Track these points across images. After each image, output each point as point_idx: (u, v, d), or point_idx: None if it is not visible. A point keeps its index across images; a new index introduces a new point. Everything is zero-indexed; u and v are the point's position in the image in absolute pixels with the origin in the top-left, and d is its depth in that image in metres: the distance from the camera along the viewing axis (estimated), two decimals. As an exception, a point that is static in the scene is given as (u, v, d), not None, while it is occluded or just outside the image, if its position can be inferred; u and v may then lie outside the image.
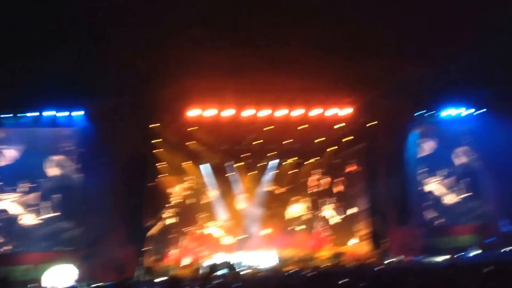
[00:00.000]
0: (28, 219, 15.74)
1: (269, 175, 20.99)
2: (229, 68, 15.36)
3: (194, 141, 18.68)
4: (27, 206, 15.81)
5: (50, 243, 15.72)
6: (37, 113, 16.08)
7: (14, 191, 15.72)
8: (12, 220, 15.60)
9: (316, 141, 19.90)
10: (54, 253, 15.59)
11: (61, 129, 16.44)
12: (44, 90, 15.16)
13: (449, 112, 19.84)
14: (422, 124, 19.82)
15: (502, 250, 17.71)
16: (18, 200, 15.73)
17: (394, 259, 17.71)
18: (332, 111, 18.28)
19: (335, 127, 19.12)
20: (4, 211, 15.59)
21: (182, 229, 19.52)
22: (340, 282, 11.14)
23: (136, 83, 15.60)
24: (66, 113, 16.39)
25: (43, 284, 14.84)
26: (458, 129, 20.18)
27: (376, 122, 18.73)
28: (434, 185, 19.82)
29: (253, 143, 19.57)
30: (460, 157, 20.18)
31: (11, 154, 15.96)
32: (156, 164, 18.19)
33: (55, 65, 14.56)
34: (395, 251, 18.19)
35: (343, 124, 19.09)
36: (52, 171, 16.21)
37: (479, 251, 18.12)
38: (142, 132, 16.54)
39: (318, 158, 21.04)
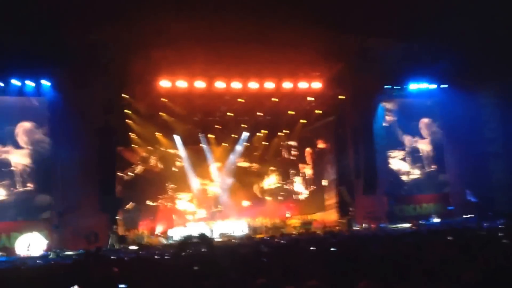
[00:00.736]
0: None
1: (240, 146, 21.18)
2: (201, 40, 15.36)
3: (166, 112, 18.65)
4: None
5: (21, 212, 15.68)
6: (3, 83, 15.77)
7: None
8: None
9: (288, 112, 20.11)
10: (25, 222, 15.56)
11: (29, 99, 16.17)
12: (10, 58, 14.92)
13: (415, 86, 20.28)
14: (389, 98, 20.26)
15: (462, 217, 18.49)
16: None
17: (361, 226, 18.34)
18: (302, 85, 18.50)
19: (306, 99, 19.35)
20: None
21: (155, 199, 19.68)
22: (310, 249, 11.53)
23: (106, 53, 15.46)
24: (34, 83, 16.11)
25: (16, 252, 14.87)
26: (424, 103, 20.72)
27: (345, 96, 19.05)
28: (399, 157, 20.37)
29: (226, 114, 19.67)
30: (425, 130, 20.75)
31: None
32: (128, 134, 18.21)
33: (22, 33, 14.34)
34: (361, 219, 18.81)
35: (313, 98, 19.35)
36: (22, 140, 16.03)
37: (441, 219, 18.85)
38: (113, 102, 16.43)
39: (289, 131, 21.33)
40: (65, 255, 14.14)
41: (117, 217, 16.80)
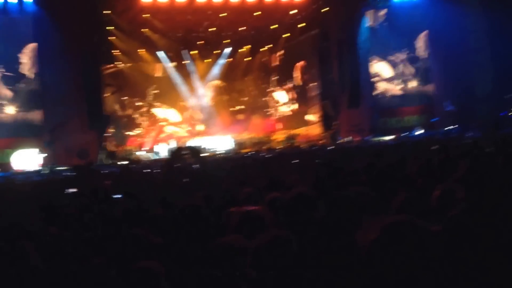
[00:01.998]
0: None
1: (223, 62, 21.11)
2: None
3: (148, 28, 18.41)
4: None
5: (11, 129, 15.83)
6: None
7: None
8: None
9: (271, 27, 19.90)
10: (17, 139, 15.78)
11: (12, 17, 15.81)
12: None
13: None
14: (373, 9, 20.00)
15: (445, 129, 18.89)
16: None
17: (344, 139, 18.73)
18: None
19: (289, 13, 19.11)
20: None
21: (143, 115, 19.86)
22: (293, 162, 11.95)
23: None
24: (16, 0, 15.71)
25: (13, 167, 15.19)
26: (408, 13, 20.48)
27: (328, 8, 18.79)
28: (383, 69, 20.43)
29: (208, 30, 19.45)
30: (409, 42, 20.67)
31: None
32: (112, 51, 18.05)
33: None
34: (345, 132, 19.19)
35: (296, 10, 19.09)
36: (7, 59, 15.86)
37: (424, 131, 19.26)
38: (96, 19, 16.15)
39: (272, 45, 21.18)
40: (57, 170, 14.48)
41: (105, 134, 17.03)
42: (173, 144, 18.05)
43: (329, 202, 2.85)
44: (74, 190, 7.62)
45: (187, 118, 20.74)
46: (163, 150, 17.71)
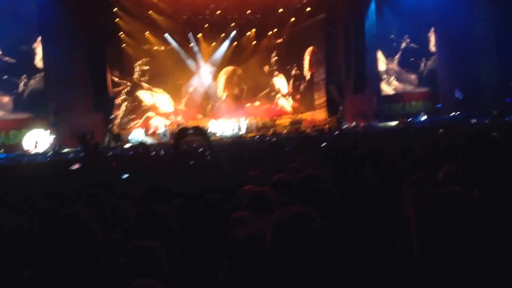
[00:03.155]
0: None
1: (229, 45, 21.02)
2: None
3: (155, 11, 18.35)
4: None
5: (18, 109, 15.89)
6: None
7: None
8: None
9: (277, 11, 19.79)
10: (23, 120, 15.84)
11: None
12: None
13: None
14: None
15: (450, 115, 18.89)
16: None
17: (350, 125, 18.72)
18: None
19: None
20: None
21: (149, 97, 19.87)
22: (298, 145, 11.92)
23: None
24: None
25: (24, 148, 15.30)
26: (415, 1, 20.39)
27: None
28: (390, 54, 20.35)
29: (215, 13, 19.35)
30: (418, 26, 20.55)
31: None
32: (119, 34, 18.03)
33: None
34: (351, 117, 19.19)
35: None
36: (10, 40, 15.86)
37: (429, 117, 19.25)
38: (102, 0, 16.12)
39: (278, 29, 21.06)
40: (63, 152, 14.56)
41: (111, 116, 17.06)
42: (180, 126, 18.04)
43: (339, 183, 2.86)
44: (78, 166, 7.66)
45: (193, 101, 20.67)
46: (167, 133, 17.72)
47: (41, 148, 15.43)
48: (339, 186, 2.91)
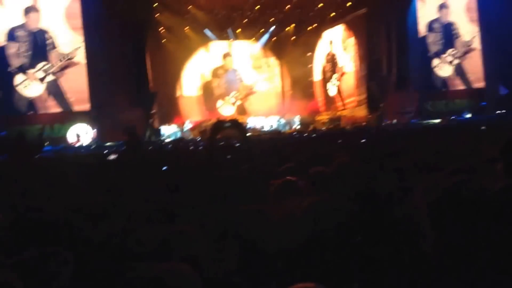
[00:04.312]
0: (38, 84, 16.15)
1: (268, 41, 21.04)
2: None
3: (194, 6, 18.55)
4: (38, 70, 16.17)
5: (61, 103, 16.33)
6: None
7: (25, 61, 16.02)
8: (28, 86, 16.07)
9: (318, 5, 19.65)
10: (66, 113, 16.29)
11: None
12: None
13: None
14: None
15: (495, 113, 18.34)
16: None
17: (390, 122, 18.42)
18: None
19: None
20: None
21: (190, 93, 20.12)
22: (338, 142, 11.82)
23: None
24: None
25: (68, 141, 15.78)
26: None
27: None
28: (433, 50, 19.92)
29: (254, 8, 19.39)
30: (462, 22, 20.06)
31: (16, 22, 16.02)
32: (158, 29, 18.30)
33: None
34: (391, 115, 18.86)
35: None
36: (57, 36, 16.31)
37: (473, 115, 18.76)
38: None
39: (317, 24, 20.90)
40: (105, 146, 14.86)
41: (152, 111, 17.32)
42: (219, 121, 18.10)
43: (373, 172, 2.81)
44: (115, 156, 7.83)
45: (234, 96, 20.81)
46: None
47: (83, 142, 15.81)
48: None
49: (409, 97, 19.10)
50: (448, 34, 19.92)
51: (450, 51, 19.94)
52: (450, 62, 19.98)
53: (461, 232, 1.66)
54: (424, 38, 19.66)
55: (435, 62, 19.87)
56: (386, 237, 2.04)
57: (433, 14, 19.76)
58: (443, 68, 19.98)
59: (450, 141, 7.27)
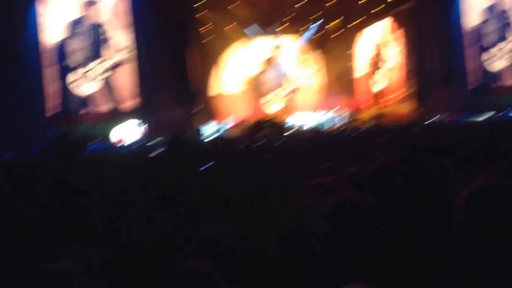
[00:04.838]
0: (86, 82, 16.59)
1: (311, 38, 20.92)
2: None
3: (236, 4, 18.67)
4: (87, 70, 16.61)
5: (114, 101, 16.69)
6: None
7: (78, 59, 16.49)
8: (70, 83, 16.52)
9: (360, 1, 19.43)
10: (111, 112, 16.67)
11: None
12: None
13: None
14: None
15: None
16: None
17: (435, 119, 18.00)
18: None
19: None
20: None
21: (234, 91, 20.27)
22: (380, 141, 11.66)
23: None
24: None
25: (112, 139, 16.17)
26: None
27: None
28: (483, 44, 19.40)
29: (295, 5, 19.36)
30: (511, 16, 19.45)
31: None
32: (200, 28, 18.50)
33: None
34: (438, 110, 18.42)
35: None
36: (112, 32, 16.67)
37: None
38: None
39: (363, 18, 20.63)
40: (150, 144, 15.15)
41: (195, 109, 17.55)
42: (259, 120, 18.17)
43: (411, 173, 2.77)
44: (156, 154, 7.99)
45: (276, 93, 20.85)
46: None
47: (129, 140, 16.14)
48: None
49: (455, 92, 18.65)
50: (502, 24, 19.32)
51: (500, 42, 19.35)
52: (499, 55, 19.38)
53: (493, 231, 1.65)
54: (474, 29, 19.15)
55: (484, 53, 19.32)
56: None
57: (486, 3, 19.21)
58: (495, 62, 19.40)
59: (495, 139, 7.08)
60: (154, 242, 2.97)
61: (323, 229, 2.05)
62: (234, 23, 19.45)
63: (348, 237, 1.99)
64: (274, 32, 20.42)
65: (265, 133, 10.88)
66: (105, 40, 16.55)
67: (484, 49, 19.30)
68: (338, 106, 20.13)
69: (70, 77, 16.31)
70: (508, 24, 19.30)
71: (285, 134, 14.85)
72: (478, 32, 19.20)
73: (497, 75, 19.44)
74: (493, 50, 19.30)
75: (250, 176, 5.08)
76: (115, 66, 16.55)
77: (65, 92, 16.34)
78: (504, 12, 19.23)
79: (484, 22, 19.19)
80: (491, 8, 19.18)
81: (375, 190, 3.06)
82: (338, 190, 2.90)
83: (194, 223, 3.28)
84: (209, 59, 19.63)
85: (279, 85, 20.77)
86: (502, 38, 19.32)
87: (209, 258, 2.23)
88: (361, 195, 2.49)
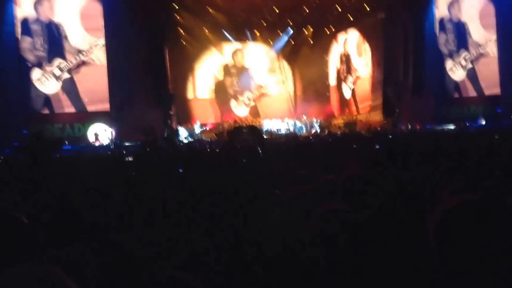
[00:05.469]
0: (55, 83, 16.45)
1: (285, 44, 21.18)
2: None
3: (213, 8, 18.75)
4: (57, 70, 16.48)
5: (81, 104, 16.61)
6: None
7: (41, 57, 16.31)
8: (45, 83, 16.37)
9: (336, 9, 19.71)
10: (86, 113, 16.60)
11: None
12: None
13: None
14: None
15: (510, 119, 18.20)
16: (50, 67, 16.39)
17: (406, 128, 18.38)
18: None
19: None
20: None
21: (206, 95, 20.35)
22: (354, 147, 11.89)
23: None
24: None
25: (89, 140, 16.10)
26: (478, 1, 19.87)
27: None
28: (449, 56, 19.89)
29: (272, 11, 19.52)
30: (478, 30, 19.99)
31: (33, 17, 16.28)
32: (176, 30, 18.53)
33: None
34: (407, 120, 18.83)
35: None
36: (75, 35, 16.59)
37: (488, 121, 18.64)
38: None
39: (335, 29, 20.95)
40: (124, 146, 15.12)
41: (170, 112, 17.55)
42: (236, 124, 18.24)
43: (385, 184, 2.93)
44: (131, 158, 8.04)
45: (250, 98, 21.01)
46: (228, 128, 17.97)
47: (102, 141, 16.09)
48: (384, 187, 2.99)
49: (424, 102, 19.05)
50: (461, 34, 19.89)
51: (463, 54, 19.90)
52: (463, 66, 19.91)
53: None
54: (439, 41, 19.67)
55: (449, 64, 19.83)
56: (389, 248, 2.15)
57: (445, 13, 19.75)
58: (456, 71, 19.92)
59: (463, 150, 7.33)
60: (130, 247, 3.02)
61: (308, 237, 2.18)
62: (211, 27, 19.55)
63: (332, 246, 2.10)
64: (247, 39, 20.60)
65: (244, 138, 10.99)
66: (69, 38, 16.41)
67: (449, 56, 19.78)
68: (309, 113, 20.40)
69: (35, 74, 16.14)
70: (467, 36, 19.85)
71: (262, 137, 14.97)
72: (442, 43, 19.67)
73: (460, 86, 19.95)
74: (458, 59, 19.82)
75: (227, 182, 5.19)
76: (80, 66, 16.40)
77: (35, 92, 16.15)
78: (463, 24, 19.77)
79: (447, 34, 19.68)
80: (451, 21, 19.69)
81: (350, 198, 3.22)
82: (317, 198, 3.05)
83: (171, 226, 3.37)
84: (184, 63, 19.72)
85: (249, 90, 20.99)
86: (462, 52, 19.86)
87: (184, 264, 2.32)
88: (340, 204, 2.64)
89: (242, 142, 12.24)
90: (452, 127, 17.62)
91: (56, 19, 16.36)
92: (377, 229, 2.35)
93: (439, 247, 1.71)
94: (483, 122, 18.71)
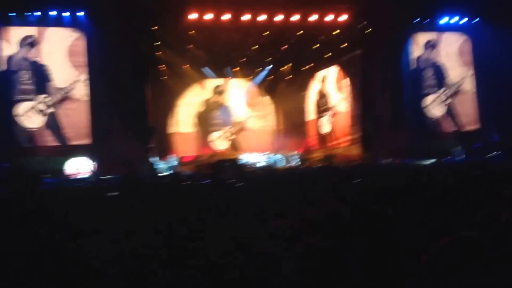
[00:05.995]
0: (39, 117, 16.46)
1: (264, 80, 21.56)
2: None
3: (194, 45, 18.99)
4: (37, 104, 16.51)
5: (61, 137, 16.60)
6: (41, 12, 16.39)
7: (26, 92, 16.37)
8: (29, 118, 16.39)
9: (313, 47, 20.11)
10: (65, 146, 16.61)
11: (66, 29, 16.75)
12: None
13: (446, 20, 19.95)
14: (418, 32, 19.99)
15: (487, 156, 18.51)
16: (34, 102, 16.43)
17: (384, 161, 18.54)
18: (329, 18, 18.46)
19: (332, 32, 19.29)
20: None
21: (186, 129, 20.46)
22: (332, 180, 11.98)
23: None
24: (68, 13, 16.66)
25: (67, 173, 16.06)
26: (455, 37, 20.42)
27: (372, 29, 18.79)
28: (427, 92, 20.31)
29: (251, 48, 19.85)
30: (455, 66, 20.51)
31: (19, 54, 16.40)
32: (158, 66, 18.71)
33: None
34: (385, 154, 19.02)
35: (340, 30, 19.23)
36: (59, 71, 16.68)
37: (466, 156, 18.92)
38: (144, 33, 16.81)
39: (313, 64, 21.34)
40: (103, 179, 15.02)
41: (149, 145, 17.56)
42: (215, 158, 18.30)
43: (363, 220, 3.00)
44: (115, 193, 8.02)
45: (230, 133, 21.20)
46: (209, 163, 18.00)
47: (83, 174, 16.00)
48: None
49: (402, 136, 19.26)
50: (439, 71, 20.38)
51: (442, 89, 20.35)
52: (443, 102, 20.32)
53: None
54: (415, 78, 20.12)
55: (428, 100, 20.23)
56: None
57: (422, 50, 20.27)
58: (436, 107, 20.32)
59: (442, 185, 7.46)
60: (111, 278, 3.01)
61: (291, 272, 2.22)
62: (192, 63, 19.79)
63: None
64: (227, 75, 20.93)
65: (226, 172, 11.04)
66: (52, 78, 16.57)
67: (427, 96, 20.22)
68: (288, 147, 20.57)
69: (20, 108, 16.22)
70: (445, 73, 20.36)
71: (243, 171, 15.03)
72: (419, 80, 20.14)
73: (437, 122, 20.33)
74: (435, 97, 20.26)
75: (207, 216, 5.22)
76: (63, 102, 16.58)
77: (14, 124, 16.19)
78: (441, 61, 20.30)
79: (425, 70, 20.18)
80: (429, 58, 20.22)
81: (329, 233, 3.28)
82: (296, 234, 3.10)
83: (149, 261, 3.38)
84: (165, 97, 19.90)
85: (228, 124, 21.19)
86: (439, 87, 20.33)
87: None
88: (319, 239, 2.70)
89: (224, 176, 12.31)
90: (430, 161, 17.81)
91: (41, 57, 16.66)
92: (356, 263, 2.41)
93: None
94: (462, 157, 18.94)
